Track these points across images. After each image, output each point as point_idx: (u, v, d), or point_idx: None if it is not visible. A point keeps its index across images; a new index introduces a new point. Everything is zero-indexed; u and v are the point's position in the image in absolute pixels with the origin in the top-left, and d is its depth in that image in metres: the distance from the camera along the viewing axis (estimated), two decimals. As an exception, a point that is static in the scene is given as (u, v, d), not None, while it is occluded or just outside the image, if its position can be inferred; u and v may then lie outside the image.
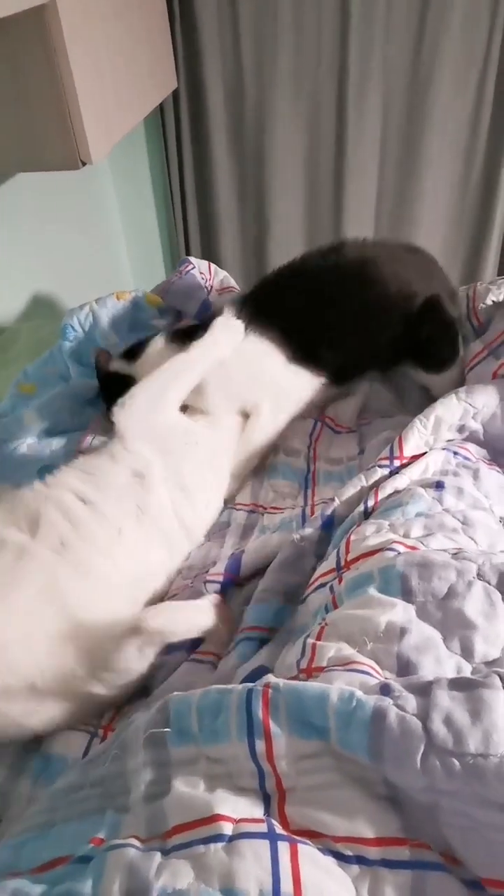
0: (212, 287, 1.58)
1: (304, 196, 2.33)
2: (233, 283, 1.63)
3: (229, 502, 1.14)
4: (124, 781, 0.62)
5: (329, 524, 0.96)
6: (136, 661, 0.81)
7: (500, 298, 1.39)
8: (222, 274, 1.65)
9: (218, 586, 0.92)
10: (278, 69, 2.08)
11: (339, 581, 0.82)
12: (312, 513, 1.04)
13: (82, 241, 2.16)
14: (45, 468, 1.19)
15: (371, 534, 0.87)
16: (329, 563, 0.88)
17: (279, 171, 2.24)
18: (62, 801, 0.64)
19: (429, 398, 1.25)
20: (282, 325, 1.20)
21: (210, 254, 2.41)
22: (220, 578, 0.93)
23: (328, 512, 0.97)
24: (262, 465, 1.21)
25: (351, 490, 0.98)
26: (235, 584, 0.95)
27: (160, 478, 1.00)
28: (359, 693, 0.59)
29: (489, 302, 1.38)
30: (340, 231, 2.32)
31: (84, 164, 1.41)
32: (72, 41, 1.27)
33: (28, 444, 1.23)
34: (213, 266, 1.65)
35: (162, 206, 2.47)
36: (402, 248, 1.39)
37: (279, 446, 1.24)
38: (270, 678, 0.66)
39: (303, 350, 1.21)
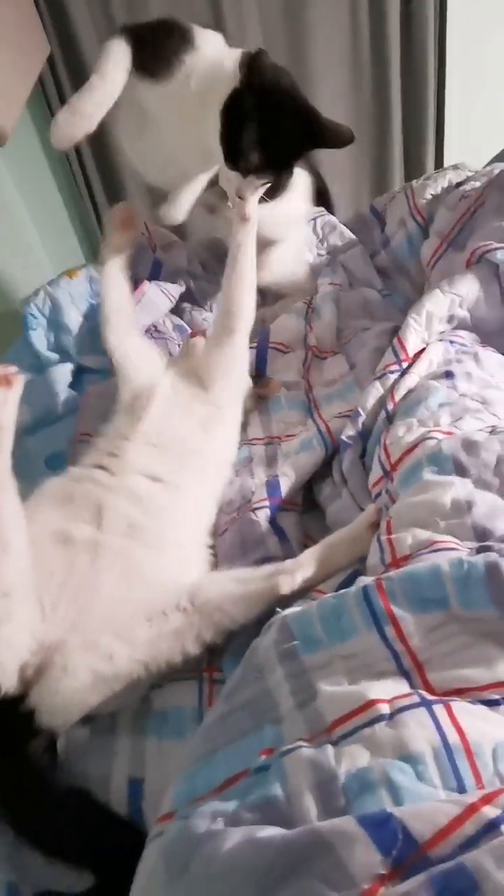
0: (156, 246, 1.57)
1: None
2: (173, 237, 1.61)
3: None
4: (270, 698, 0.65)
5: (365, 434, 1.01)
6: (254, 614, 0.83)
7: (438, 191, 1.43)
8: (160, 231, 1.63)
9: (267, 511, 0.96)
10: (149, 9, 2.01)
11: (392, 481, 0.87)
12: (328, 429, 1.07)
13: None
14: (51, 457, 1.19)
15: (404, 433, 0.91)
16: (375, 472, 0.92)
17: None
18: (217, 730, 0.67)
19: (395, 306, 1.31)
20: None
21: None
22: (267, 503, 0.97)
23: (360, 419, 1.01)
24: (264, 402, 1.24)
25: (371, 399, 1.02)
26: (281, 508, 0.98)
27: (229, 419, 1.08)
28: (465, 556, 0.64)
29: (428, 196, 1.43)
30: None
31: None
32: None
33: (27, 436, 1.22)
34: (149, 225, 1.63)
35: (62, 177, 2.38)
36: None
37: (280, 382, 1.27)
38: (364, 579, 0.70)
39: None
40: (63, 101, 2.12)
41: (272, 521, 0.96)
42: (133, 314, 1.18)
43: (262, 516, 0.95)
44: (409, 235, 1.46)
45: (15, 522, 0.81)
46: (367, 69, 2.23)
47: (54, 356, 1.40)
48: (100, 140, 2.15)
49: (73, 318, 1.43)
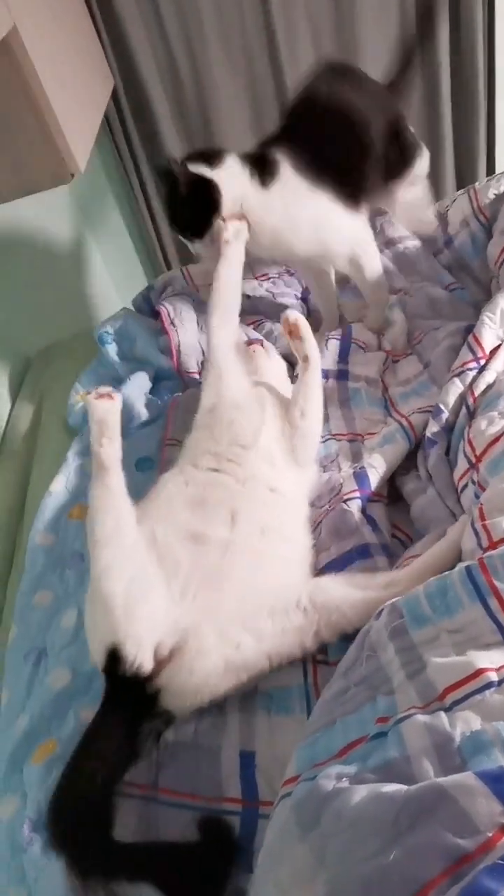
0: (197, 289, 1.67)
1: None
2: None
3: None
4: (384, 672, 0.70)
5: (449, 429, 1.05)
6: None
7: (501, 190, 1.47)
8: (199, 268, 1.74)
9: (359, 502, 1.01)
10: (206, 37, 2.10)
11: (478, 472, 0.91)
12: (409, 424, 1.12)
13: (60, 269, 2.16)
14: (141, 460, 1.27)
15: (486, 426, 0.95)
16: (461, 466, 0.96)
17: (229, 140, 2.26)
18: (334, 704, 0.71)
19: (462, 301, 1.34)
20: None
21: (182, 243, 2.43)
22: (358, 494, 1.02)
23: (443, 416, 1.05)
24: (345, 396, 1.29)
25: (452, 396, 1.06)
26: (371, 499, 1.03)
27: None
28: None
29: (491, 196, 1.46)
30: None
31: (73, 176, 1.46)
32: (37, 60, 1.30)
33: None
34: (188, 270, 1.74)
35: (128, 210, 2.48)
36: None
37: (361, 376, 1.32)
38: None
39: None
40: (126, 134, 2.22)
41: (363, 511, 1.00)
42: (237, 325, 1.25)
43: (355, 507, 1.00)
44: (473, 235, 1.50)
45: (127, 511, 0.90)
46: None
47: (131, 366, 1.49)
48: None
49: (144, 328, 1.54)
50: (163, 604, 0.84)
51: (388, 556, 0.94)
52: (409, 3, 2.08)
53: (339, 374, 1.32)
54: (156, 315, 1.59)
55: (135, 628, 0.80)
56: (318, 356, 1.15)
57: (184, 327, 1.51)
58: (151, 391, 1.44)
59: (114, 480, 0.91)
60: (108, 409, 0.95)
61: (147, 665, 0.80)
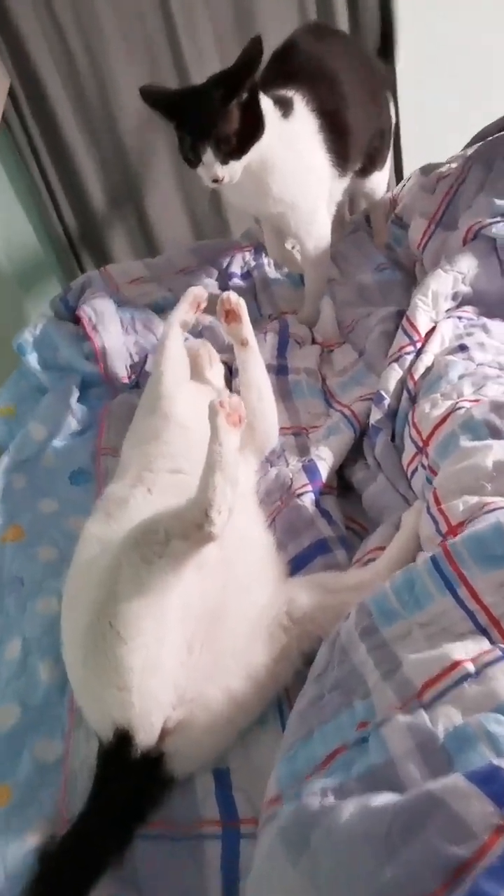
0: (118, 287, 1.62)
1: (171, 154, 2.29)
2: (138, 269, 1.66)
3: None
4: (357, 674, 0.67)
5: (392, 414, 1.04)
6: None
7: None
8: (119, 268, 1.70)
9: (311, 495, 0.98)
10: (102, 29, 2.02)
11: (427, 456, 0.89)
12: (352, 412, 1.10)
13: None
14: (75, 473, 1.20)
15: (430, 409, 0.94)
16: (409, 450, 0.95)
17: (135, 134, 2.19)
18: (310, 713, 0.68)
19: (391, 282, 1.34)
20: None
21: (96, 240, 2.34)
22: (310, 488, 0.99)
23: (385, 402, 1.04)
24: (286, 389, 1.27)
25: (392, 381, 1.05)
26: (323, 492, 1.01)
27: None
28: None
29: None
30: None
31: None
32: None
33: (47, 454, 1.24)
34: (106, 269, 1.69)
35: (34, 211, 2.35)
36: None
37: (300, 368, 1.29)
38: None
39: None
40: (27, 131, 2.11)
41: (317, 504, 0.98)
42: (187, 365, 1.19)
43: (307, 501, 0.97)
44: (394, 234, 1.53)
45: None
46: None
47: (54, 375, 1.41)
48: (68, 167, 2.15)
49: (65, 334, 1.46)
50: (173, 672, 0.75)
51: (346, 549, 0.92)
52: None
53: (279, 369, 1.29)
54: (77, 320, 1.51)
55: (147, 707, 0.72)
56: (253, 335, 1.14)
57: (107, 331, 1.44)
58: (80, 399, 1.37)
59: None
60: None
61: (150, 744, 0.73)
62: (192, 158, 1.16)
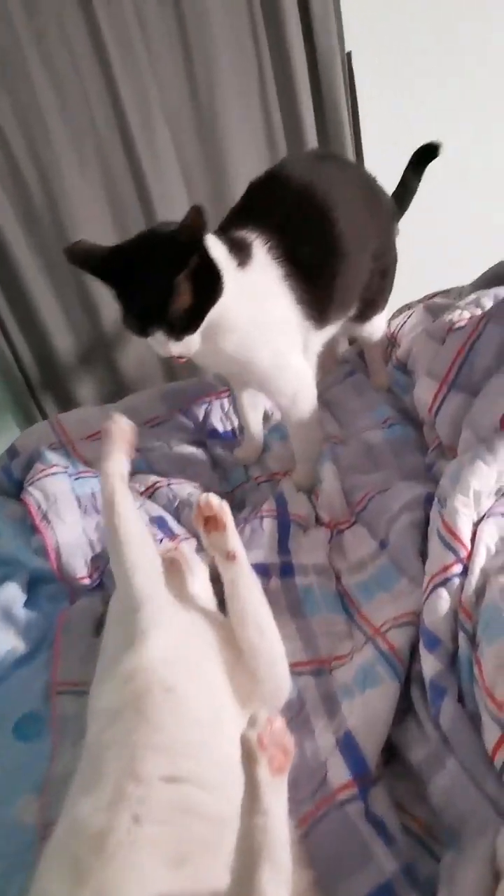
0: (71, 442, 1.37)
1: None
2: (96, 419, 1.39)
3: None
4: None
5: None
6: None
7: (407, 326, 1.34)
8: (74, 417, 1.47)
9: (360, 802, 0.72)
10: (52, 135, 1.83)
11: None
12: (391, 648, 0.85)
13: None
14: (22, 721, 0.91)
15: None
16: (490, 729, 0.70)
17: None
18: None
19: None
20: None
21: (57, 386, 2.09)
22: (356, 789, 0.73)
23: (440, 647, 0.80)
24: (294, 598, 1.00)
25: (440, 612, 0.82)
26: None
27: None
28: None
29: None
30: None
31: None
32: None
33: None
34: (59, 420, 1.44)
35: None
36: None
37: (308, 566, 1.04)
38: None
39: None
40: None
41: (366, 812, 0.70)
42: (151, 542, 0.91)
43: (355, 810, 0.70)
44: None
45: None
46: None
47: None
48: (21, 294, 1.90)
49: (7, 518, 1.18)
50: None
51: (417, 891, 0.65)
52: (268, 78, 1.95)
53: (284, 570, 1.03)
54: (20, 491, 1.24)
55: None
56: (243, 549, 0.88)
57: (61, 521, 1.15)
58: (27, 603, 1.07)
59: None
60: None
61: None
62: (138, 334, 1.00)
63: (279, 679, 0.84)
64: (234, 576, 0.86)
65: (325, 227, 1.12)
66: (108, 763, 0.68)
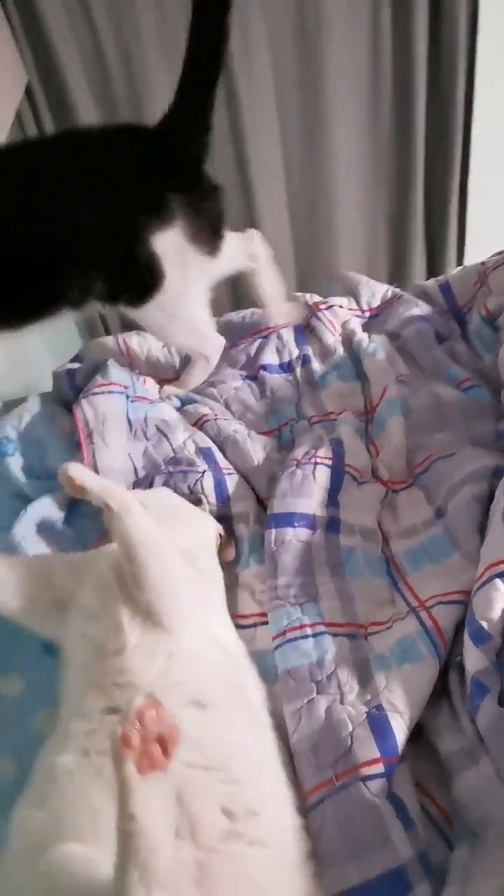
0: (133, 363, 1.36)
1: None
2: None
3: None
4: None
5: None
6: None
7: None
8: (134, 340, 1.42)
9: (383, 779, 0.69)
10: (141, 32, 1.73)
11: None
12: (434, 623, 0.80)
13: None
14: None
15: None
16: None
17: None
18: None
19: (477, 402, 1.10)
20: None
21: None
22: (382, 767, 0.69)
23: (490, 642, 0.73)
24: (337, 559, 0.94)
25: (497, 609, 0.74)
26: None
27: None
28: None
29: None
30: (252, 205, 2.01)
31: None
32: None
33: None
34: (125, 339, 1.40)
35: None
36: None
37: (355, 526, 0.98)
38: None
39: None
40: (42, 133, 1.82)
41: (389, 792, 0.67)
42: None
43: (377, 787, 0.67)
44: (479, 331, 1.25)
45: None
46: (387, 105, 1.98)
47: (42, 486, 1.09)
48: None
49: (58, 433, 1.15)
50: None
51: (430, 879, 0.62)
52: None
53: (330, 524, 0.97)
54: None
55: None
56: (123, 495, 0.82)
57: (105, 444, 1.10)
58: (66, 520, 1.05)
59: None
60: None
61: None
62: None
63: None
64: (113, 528, 0.81)
65: None
66: (72, 685, 0.76)
